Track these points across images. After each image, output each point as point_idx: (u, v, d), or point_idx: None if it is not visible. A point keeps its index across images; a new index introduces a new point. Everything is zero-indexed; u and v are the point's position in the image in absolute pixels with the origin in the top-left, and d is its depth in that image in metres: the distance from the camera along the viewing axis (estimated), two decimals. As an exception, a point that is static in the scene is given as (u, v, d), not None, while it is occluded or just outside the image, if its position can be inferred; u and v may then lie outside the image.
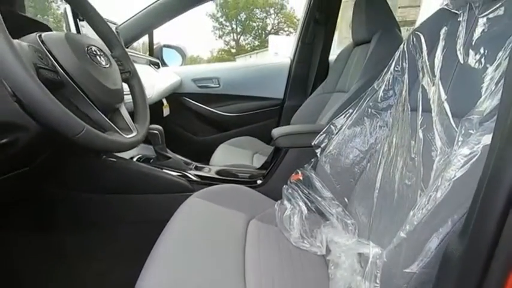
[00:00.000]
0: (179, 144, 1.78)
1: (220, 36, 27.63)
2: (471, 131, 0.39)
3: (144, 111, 0.73)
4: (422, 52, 0.74)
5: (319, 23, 1.56)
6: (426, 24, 0.76)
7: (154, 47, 1.74)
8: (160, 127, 1.02)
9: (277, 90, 1.76)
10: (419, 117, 0.69)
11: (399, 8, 1.52)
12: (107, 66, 0.60)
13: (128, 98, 0.78)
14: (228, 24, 26.54)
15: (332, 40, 1.62)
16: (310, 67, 1.68)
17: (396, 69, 0.81)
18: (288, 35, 26.10)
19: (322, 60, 1.65)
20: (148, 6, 1.49)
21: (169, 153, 1.05)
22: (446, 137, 0.56)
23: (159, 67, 1.65)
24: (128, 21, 1.50)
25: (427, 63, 0.72)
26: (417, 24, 1.71)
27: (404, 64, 0.79)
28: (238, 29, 27.14)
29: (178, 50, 1.87)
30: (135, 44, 1.66)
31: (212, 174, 1.05)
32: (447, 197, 0.37)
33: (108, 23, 1.02)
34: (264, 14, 26.47)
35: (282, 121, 1.77)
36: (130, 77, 0.75)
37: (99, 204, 0.97)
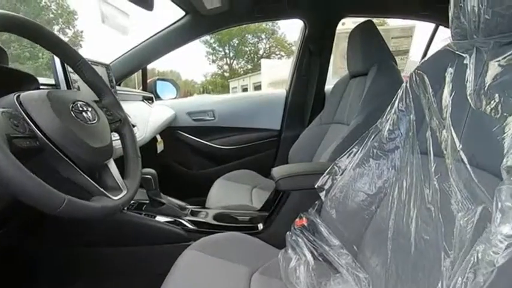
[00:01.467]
0: (175, 179, 1.71)
1: (213, 61, 28.24)
2: (508, 204, 0.34)
3: (135, 163, 0.67)
4: (427, 92, 0.71)
5: (314, 55, 1.56)
6: (429, 64, 0.74)
7: (148, 81, 1.72)
8: (153, 171, 0.96)
9: (274, 121, 1.73)
10: (432, 162, 0.64)
11: (392, 38, 1.57)
12: (94, 121, 0.55)
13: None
14: (221, 49, 27.24)
15: (327, 71, 1.62)
16: (307, 98, 1.67)
17: (400, 108, 0.78)
18: (279, 58, 26.86)
19: (318, 90, 1.64)
20: (142, 42, 1.48)
21: (163, 199, 0.98)
22: (467, 190, 0.51)
23: (152, 101, 1.61)
24: (121, 57, 1.48)
25: (434, 105, 0.69)
26: (411, 54, 1.72)
27: (409, 103, 0.76)
28: (231, 54, 27.86)
29: (172, 82, 1.85)
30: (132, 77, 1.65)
31: (209, 220, 0.98)
32: (492, 286, 0.31)
33: (99, 64, 1.00)
34: (256, 39, 27.33)
35: (279, 152, 1.72)
36: (121, 125, 0.70)
37: (87, 257, 0.89)
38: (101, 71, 0.99)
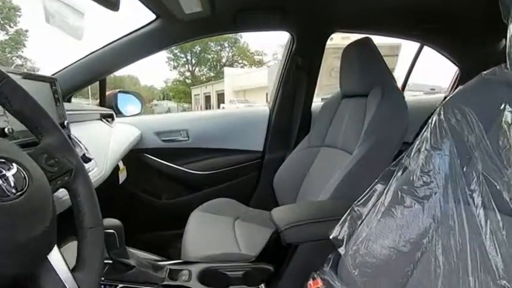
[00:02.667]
0: (142, 211, 1.44)
1: (175, 67, 27.54)
2: None
3: (94, 237, 0.44)
4: (474, 130, 0.59)
5: (302, 70, 1.43)
6: (474, 95, 0.62)
7: (107, 93, 1.44)
8: (117, 222, 0.71)
9: (256, 142, 1.55)
10: (494, 219, 0.51)
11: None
12: (21, 193, 0.31)
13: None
14: (182, 55, 26.68)
15: (315, 88, 1.49)
16: (293, 116, 1.52)
17: (434, 145, 0.65)
18: (242, 67, 27.10)
19: (306, 109, 1.50)
20: (101, 48, 1.21)
21: (132, 258, 0.73)
22: None
23: (113, 119, 1.33)
24: (75, 64, 1.20)
25: (487, 147, 0.56)
26: (396, 72, 1.67)
27: (446, 141, 0.63)
28: (193, 61, 27.41)
29: (136, 95, 1.58)
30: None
31: (195, 284, 0.76)
32: None
33: (41, 78, 0.73)
34: (219, 47, 27.25)
35: (262, 176, 1.54)
36: (72, 179, 0.46)
37: None
38: (42, 89, 0.73)
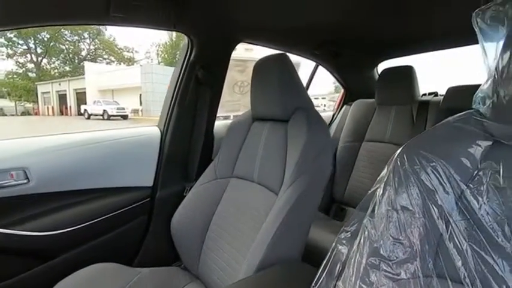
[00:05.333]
0: None
1: (9, 56, 21.23)
2: None
3: None
4: (453, 188, 0.49)
5: (203, 84, 1.14)
6: (439, 146, 0.51)
7: None
8: None
9: (143, 175, 1.15)
10: None
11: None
12: None
13: None
14: (22, 42, 20.87)
15: (218, 107, 1.23)
16: (191, 140, 1.20)
17: (404, 205, 0.52)
18: (108, 63, 23.88)
19: (208, 131, 1.22)
20: None
21: None
22: None
23: None
24: None
25: (473, 211, 0.47)
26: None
27: (417, 200, 0.51)
28: (39, 50, 21.95)
29: None
30: None
31: None
32: None
33: None
34: (77, 37, 22.94)
35: (153, 222, 1.16)
36: None
37: None
38: None
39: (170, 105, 1.15)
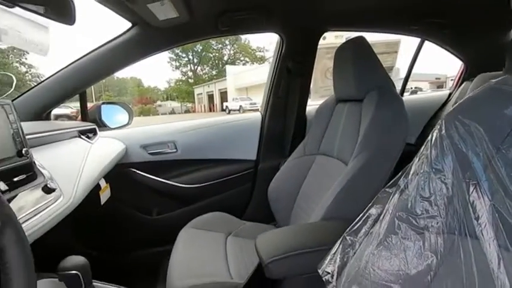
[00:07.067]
0: (130, 229, 1.37)
1: (177, 67, 27.56)
2: None
3: None
4: (483, 150, 0.50)
5: (293, 73, 1.33)
6: (481, 108, 0.52)
7: (90, 106, 1.37)
8: (82, 260, 0.65)
9: (249, 151, 1.47)
10: (507, 258, 0.43)
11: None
12: None
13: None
14: (184, 55, 26.67)
15: (308, 92, 1.40)
16: (286, 123, 1.43)
17: (435, 167, 0.56)
18: (244, 64, 26.99)
19: (299, 115, 1.41)
20: (77, 60, 1.14)
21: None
22: None
23: (95, 134, 1.26)
24: (49, 79, 1.13)
25: (501, 171, 0.47)
26: (395, 71, 1.56)
27: (448, 163, 0.54)
28: (195, 60, 27.38)
29: (123, 106, 1.51)
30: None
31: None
32: None
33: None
34: (220, 45, 27.14)
35: (256, 187, 1.46)
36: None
37: None
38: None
39: (267, 94, 1.41)
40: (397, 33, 1.40)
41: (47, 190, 0.69)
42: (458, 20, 1.26)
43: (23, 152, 0.70)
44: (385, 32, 1.34)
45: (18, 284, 0.38)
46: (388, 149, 0.87)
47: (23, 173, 0.68)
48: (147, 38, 1.11)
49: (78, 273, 0.63)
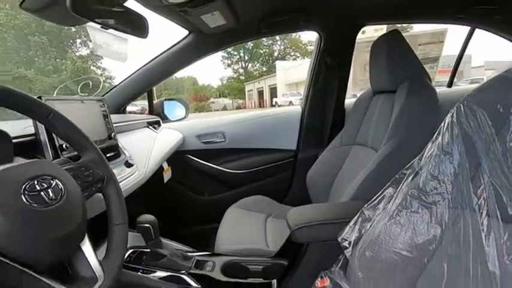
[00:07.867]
0: (185, 206, 1.61)
1: (229, 65, 28.53)
2: None
3: (120, 232, 0.56)
4: (484, 133, 0.56)
5: (332, 68, 1.41)
6: (486, 95, 0.57)
7: (155, 102, 1.64)
8: (152, 218, 0.85)
9: (290, 141, 1.59)
10: (497, 228, 0.49)
11: (419, 45, 1.39)
12: (58, 200, 0.43)
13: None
14: (236, 53, 27.48)
15: (347, 85, 1.46)
16: (325, 115, 1.51)
17: (446, 149, 0.62)
18: (294, 59, 26.70)
19: (338, 107, 1.48)
20: (145, 64, 1.39)
21: (165, 248, 0.87)
22: None
23: (159, 125, 1.52)
24: (126, 80, 1.41)
25: (497, 151, 0.53)
26: (441, 62, 1.53)
27: (457, 144, 0.60)
28: (246, 57, 27.99)
29: (181, 102, 1.75)
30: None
31: (216, 275, 0.86)
32: None
33: (91, 100, 0.90)
34: (270, 41, 27.27)
35: (296, 175, 1.58)
36: (105, 185, 0.59)
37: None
38: (93, 109, 0.90)
39: (307, 88, 1.51)
40: (442, 23, 1.37)
41: (128, 165, 0.92)
42: (509, 4, 1.19)
43: (112, 135, 0.93)
44: (427, 23, 1.33)
45: (117, 215, 0.57)
46: (416, 137, 0.92)
47: (112, 152, 0.91)
48: (200, 43, 1.31)
49: (150, 227, 0.84)
